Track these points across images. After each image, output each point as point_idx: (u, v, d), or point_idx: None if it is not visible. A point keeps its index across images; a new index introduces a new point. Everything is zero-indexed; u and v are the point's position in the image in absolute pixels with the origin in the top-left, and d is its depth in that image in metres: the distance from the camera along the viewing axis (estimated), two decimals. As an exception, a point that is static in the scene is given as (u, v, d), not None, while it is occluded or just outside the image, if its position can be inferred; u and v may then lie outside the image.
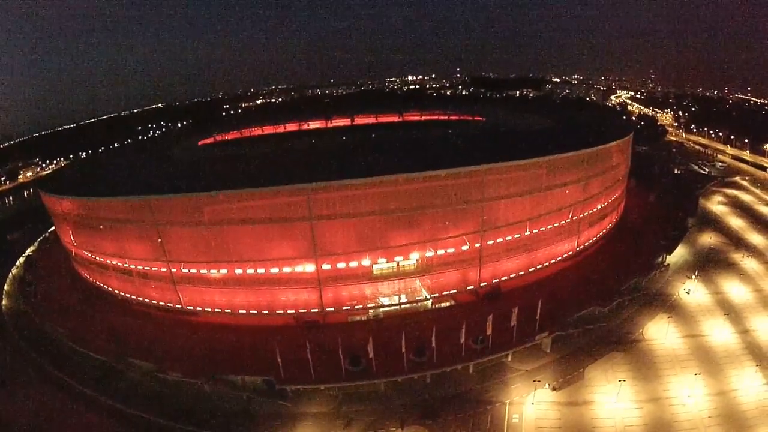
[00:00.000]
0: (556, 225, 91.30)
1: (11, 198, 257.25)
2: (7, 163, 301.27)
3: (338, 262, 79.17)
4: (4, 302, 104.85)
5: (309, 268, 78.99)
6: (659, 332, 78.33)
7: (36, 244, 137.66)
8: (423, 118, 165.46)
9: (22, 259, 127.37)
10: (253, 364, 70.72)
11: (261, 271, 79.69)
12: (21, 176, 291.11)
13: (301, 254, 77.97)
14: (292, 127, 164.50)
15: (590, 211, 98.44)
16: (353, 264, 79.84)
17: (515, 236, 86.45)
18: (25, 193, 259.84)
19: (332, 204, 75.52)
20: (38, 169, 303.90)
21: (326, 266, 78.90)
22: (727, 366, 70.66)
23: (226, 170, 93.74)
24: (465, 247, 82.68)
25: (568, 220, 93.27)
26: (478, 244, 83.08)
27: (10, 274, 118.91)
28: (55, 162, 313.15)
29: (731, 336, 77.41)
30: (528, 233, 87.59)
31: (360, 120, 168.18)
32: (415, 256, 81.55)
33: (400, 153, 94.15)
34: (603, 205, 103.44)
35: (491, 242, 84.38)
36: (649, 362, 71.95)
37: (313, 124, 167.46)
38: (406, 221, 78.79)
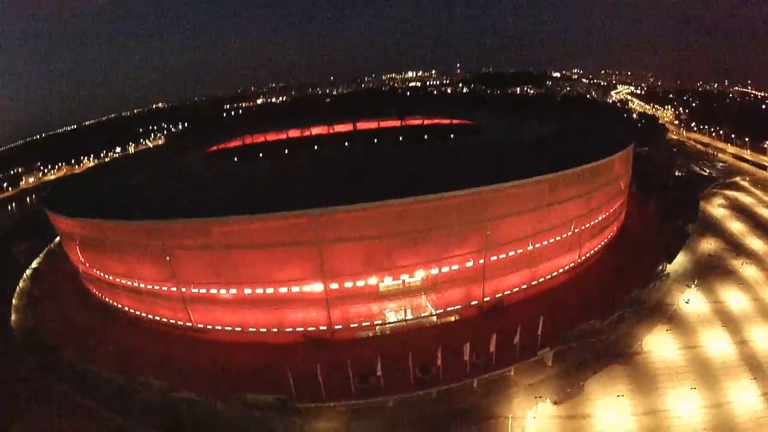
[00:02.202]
0: (558, 239, 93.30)
1: (14, 205, 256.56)
2: (7, 167, 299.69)
3: (345, 282, 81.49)
4: (13, 318, 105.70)
5: (317, 288, 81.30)
6: (658, 344, 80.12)
7: (42, 255, 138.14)
8: (425, 122, 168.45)
9: (28, 272, 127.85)
10: (264, 382, 72.95)
11: (270, 291, 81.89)
12: (23, 182, 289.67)
13: (309, 275, 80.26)
14: (294, 133, 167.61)
15: (592, 223, 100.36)
16: (360, 283, 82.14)
17: (518, 251, 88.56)
18: (28, 200, 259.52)
19: (340, 227, 77.80)
20: (40, 174, 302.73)
21: (334, 286, 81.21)
22: (724, 378, 72.32)
23: (233, 190, 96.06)
24: (469, 264, 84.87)
25: (570, 234, 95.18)
26: (482, 261, 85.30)
27: (18, 287, 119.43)
28: (57, 167, 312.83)
29: (729, 347, 79.00)
30: (531, 248, 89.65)
31: (362, 125, 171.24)
32: (420, 274, 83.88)
33: (403, 169, 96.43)
34: (604, 216, 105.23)
35: (494, 258, 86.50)
36: (647, 375, 73.71)
37: (316, 130, 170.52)
38: (411, 241, 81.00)
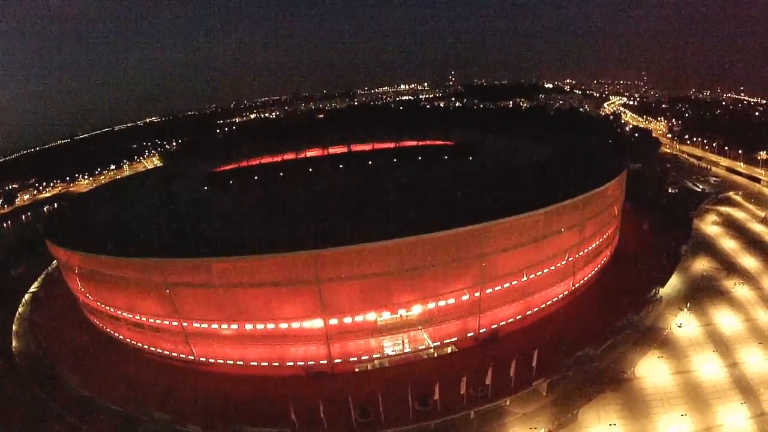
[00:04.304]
0: (552, 268, 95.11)
1: (9, 223, 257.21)
2: (1, 183, 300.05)
3: (345, 318, 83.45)
4: (14, 344, 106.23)
5: (317, 324, 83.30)
6: (650, 370, 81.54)
7: (40, 279, 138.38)
8: (419, 144, 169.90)
9: (27, 296, 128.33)
10: (266, 415, 74.52)
11: (271, 327, 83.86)
12: (18, 199, 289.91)
13: (310, 312, 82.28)
14: (290, 156, 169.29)
15: (586, 250, 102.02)
16: (359, 318, 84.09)
17: (513, 283, 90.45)
18: (23, 218, 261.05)
19: (338, 266, 79.80)
20: (35, 192, 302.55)
21: (333, 321, 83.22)
22: (715, 401, 73.75)
23: (232, 224, 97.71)
24: (465, 298, 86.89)
25: (564, 262, 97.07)
26: (477, 294, 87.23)
27: (17, 313, 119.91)
28: (52, 184, 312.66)
29: (720, 370, 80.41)
30: (525, 279, 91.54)
31: (356, 147, 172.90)
32: (417, 309, 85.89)
33: (400, 202, 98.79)
34: (598, 243, 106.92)
35: (490, 291, 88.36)
36: (639, 401, 75.12)
37: (311, 153, 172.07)
38: (408, 278, 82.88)
